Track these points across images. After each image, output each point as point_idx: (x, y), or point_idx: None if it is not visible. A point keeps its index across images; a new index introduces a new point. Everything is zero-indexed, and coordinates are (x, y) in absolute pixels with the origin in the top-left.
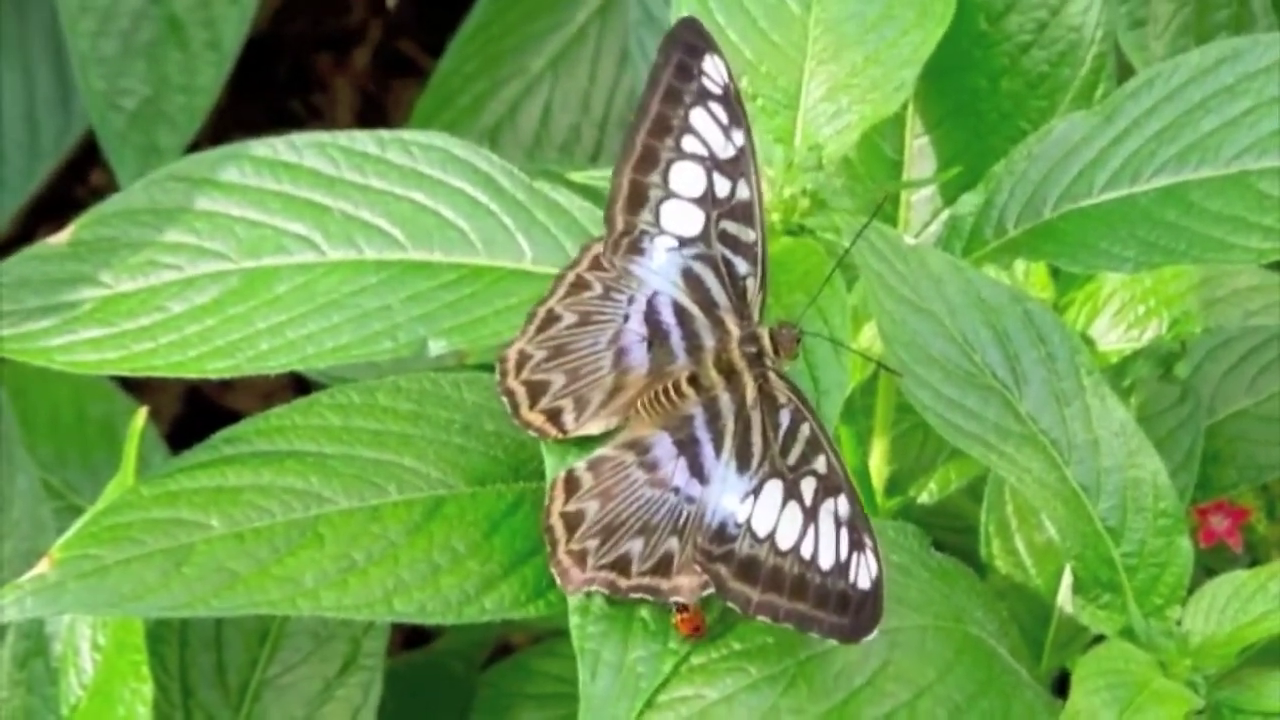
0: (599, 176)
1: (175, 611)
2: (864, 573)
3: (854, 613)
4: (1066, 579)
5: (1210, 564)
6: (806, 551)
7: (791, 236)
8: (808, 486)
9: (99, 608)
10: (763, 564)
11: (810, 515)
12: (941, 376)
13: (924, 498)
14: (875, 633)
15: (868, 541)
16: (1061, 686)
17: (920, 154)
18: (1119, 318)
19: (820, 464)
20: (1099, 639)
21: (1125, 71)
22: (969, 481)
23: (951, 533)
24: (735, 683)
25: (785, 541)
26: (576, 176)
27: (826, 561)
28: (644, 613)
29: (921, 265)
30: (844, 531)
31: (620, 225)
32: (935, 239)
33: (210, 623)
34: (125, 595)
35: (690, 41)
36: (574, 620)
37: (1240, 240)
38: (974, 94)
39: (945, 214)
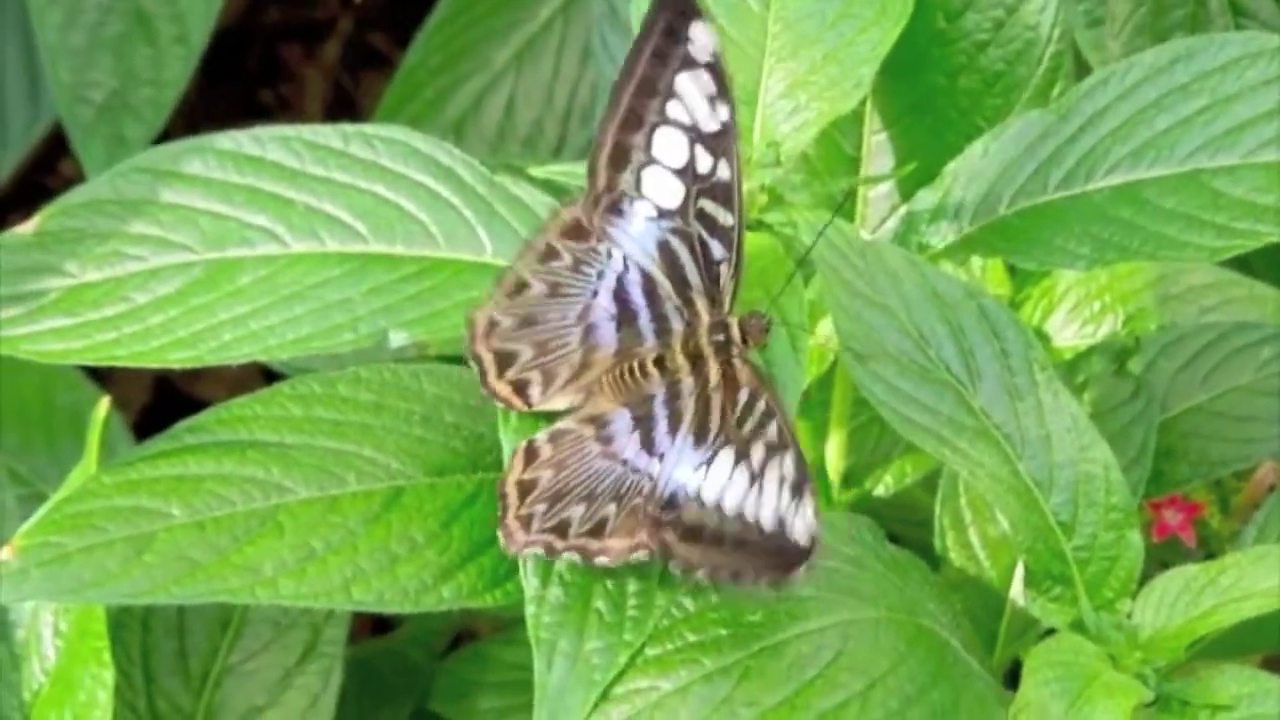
0: (561, 171)
1: (136, 599)
2: (801, 523)
3: (788, 563)
4: (1019, 572)
5: (1165, 558)
6: (750, 513)
7: (750, 232)
8: (758, 451)
9: (61, 595)
10: (707, 527)
11: (757, 477)
12: (896, 371)
13: (880, 491)
14: (803, 572)
15: (807, 494)
16: (1014, 678)
17: (878, 150)
18: (1074, 314)
19: (772, 430)
20: (1051, 631)
21: (1082, 70)
22: (924, 475)
23: (907, 525)
24: (689, 674)
25: (731, 505)
26: (538, 171)
27: (769, 521)
28: (600, 604)
29: (878, 261)
30: (786, 489)
31: (603, 181)
32: (892, 235)
33: (173, 610)
34: (87, 582)
35: (679, 5)
36: (530, 610)
37: (1193, 238)
38: (932, 91)
39: (902, 210)
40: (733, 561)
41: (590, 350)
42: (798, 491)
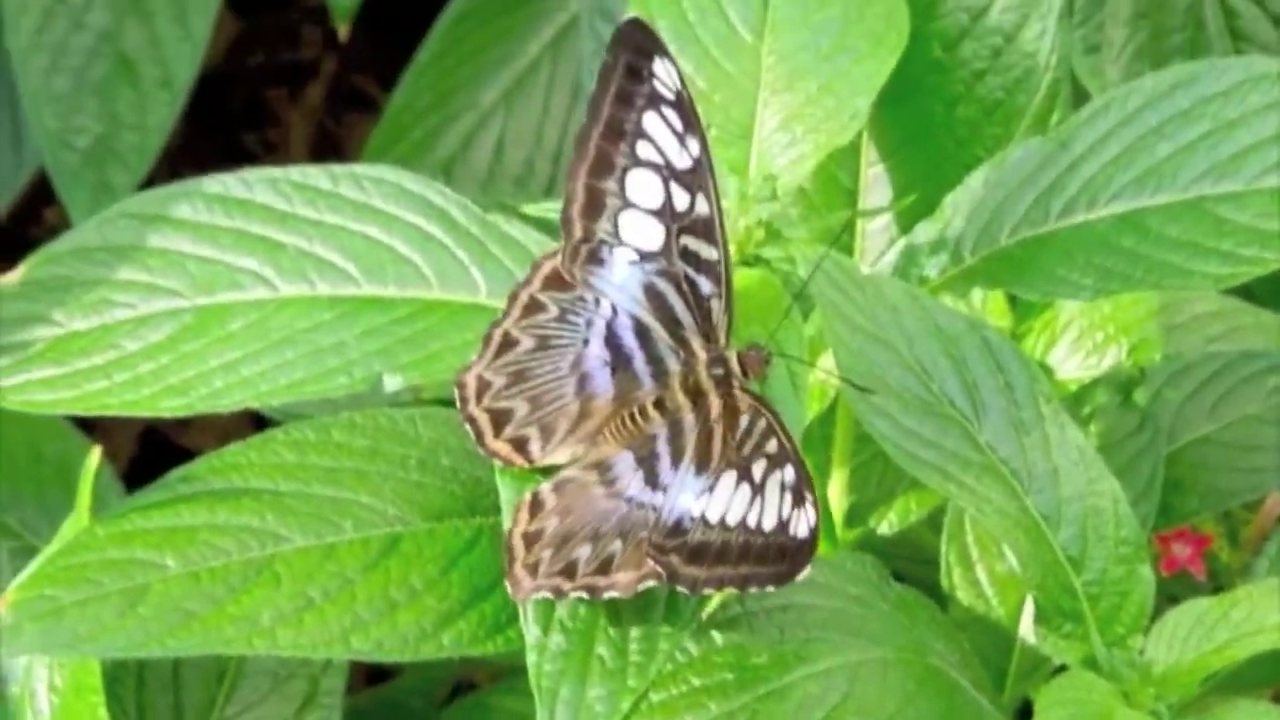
0: (553, 209)
1: (131, 652)
2: (803, 524)
3: (790, 559)
4: (1028, 609)
5: (1174, 592)
6: (752, 521)
7: (747, 268)
8: (759, 467)
9: (56, 649)
10: (712, 545)
11: (759, 490)
12: (899, 406)
13: (884, 529)
14: (808, 570)
15: (808, 497)
16: (1025, 717)
17: (876, 182)
18: (1077, 345)
19: (771, 446)
20: (1062, 669)
21: (1081, 98)
22: (929, 512)
23: (913, 564)
24: None
25: (733, 518)
26: (530, 209)
27: (769, 524)
28: (602, 650)
29: (878, 294)
30: (788, 494)
31: (579, 232)
32: (891, 268)
33: (168, 663)
34: (81, 636)
35: (639, 43)
36: (531, 658)
37: (1198, 266)
38: (929, 121)
39: (901, 242)
40: (739, 571)
41: (587, 400)
42: (798, 495)
